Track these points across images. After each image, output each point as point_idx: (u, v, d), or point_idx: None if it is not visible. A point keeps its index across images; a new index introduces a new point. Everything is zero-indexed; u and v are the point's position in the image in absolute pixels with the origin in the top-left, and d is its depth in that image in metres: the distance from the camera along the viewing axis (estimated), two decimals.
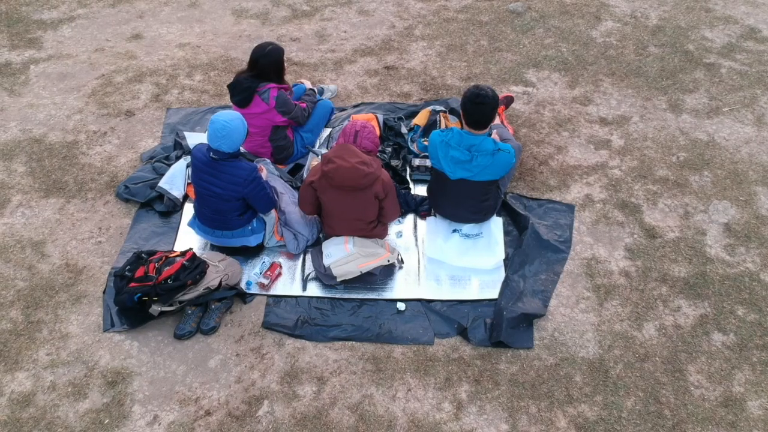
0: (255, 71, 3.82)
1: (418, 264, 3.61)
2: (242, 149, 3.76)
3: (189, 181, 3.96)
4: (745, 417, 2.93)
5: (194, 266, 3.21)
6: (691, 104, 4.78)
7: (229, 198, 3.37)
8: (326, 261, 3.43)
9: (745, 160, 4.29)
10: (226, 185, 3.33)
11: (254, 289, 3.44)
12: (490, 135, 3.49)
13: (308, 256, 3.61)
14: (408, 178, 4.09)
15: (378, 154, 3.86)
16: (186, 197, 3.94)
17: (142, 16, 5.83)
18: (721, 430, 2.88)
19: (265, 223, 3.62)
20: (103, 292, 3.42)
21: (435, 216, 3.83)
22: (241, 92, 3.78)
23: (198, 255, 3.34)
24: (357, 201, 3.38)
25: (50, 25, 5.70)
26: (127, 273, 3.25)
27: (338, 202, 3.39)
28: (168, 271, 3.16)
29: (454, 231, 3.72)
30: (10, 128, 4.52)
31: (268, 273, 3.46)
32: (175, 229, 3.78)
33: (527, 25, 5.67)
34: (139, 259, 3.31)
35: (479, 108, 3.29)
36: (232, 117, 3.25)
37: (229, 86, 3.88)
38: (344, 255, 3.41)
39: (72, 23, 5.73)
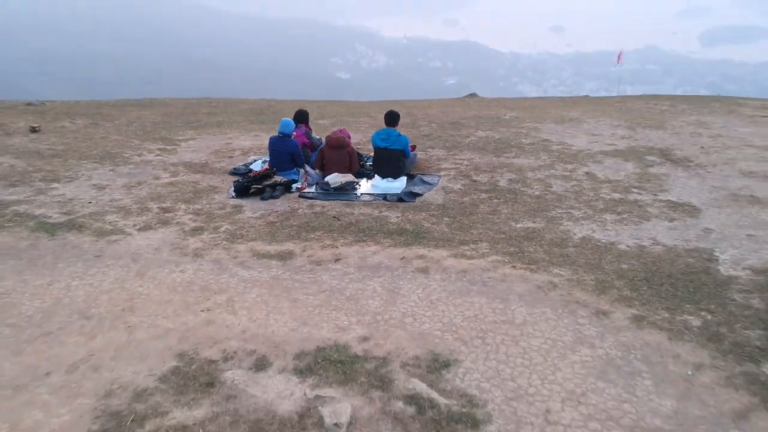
0: (296, 119, 8.08)
1: (368, 188, 7.42)
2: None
3: (263, 167, 7.91)
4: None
5: (271, 171, 7.06)
6: (506, 155, 9.00)
7: (284, 153, 7.32)
8: (327, 179, 7.26)
9: (524, 167, 8.36)
10: (284, 147, 7.32)
11: (295, 190, 7.19)
12: (399, 133, 7.60)
13: (317, 186, 7.41)
14: (364, 167, 8.07)
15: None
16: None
17: (231, 137, 10.29)
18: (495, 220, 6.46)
19: (298, 173, 7.51)
20: (227, 190, 7.14)
21: (375, 177, 7.73)
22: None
23: None
24: (340, 154, 7.35)
25: (183, 140, 10.10)
26: (241, 180, 7.05)
27: (332, 155, 7.35)
28: (259, 171, 6.99)
29: (384, 179, 7.59)
30: (185, 160, 8.57)
31: (301, 184, 7.26)
32: None
33: (431, 138, 10.17)
34: (245, 174, 7.14)
35: (390, 117, 7.49)
36: (288, 120, 7.42)
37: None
38: (334, 176, 7.26)
39: (193, 140, 10.15)
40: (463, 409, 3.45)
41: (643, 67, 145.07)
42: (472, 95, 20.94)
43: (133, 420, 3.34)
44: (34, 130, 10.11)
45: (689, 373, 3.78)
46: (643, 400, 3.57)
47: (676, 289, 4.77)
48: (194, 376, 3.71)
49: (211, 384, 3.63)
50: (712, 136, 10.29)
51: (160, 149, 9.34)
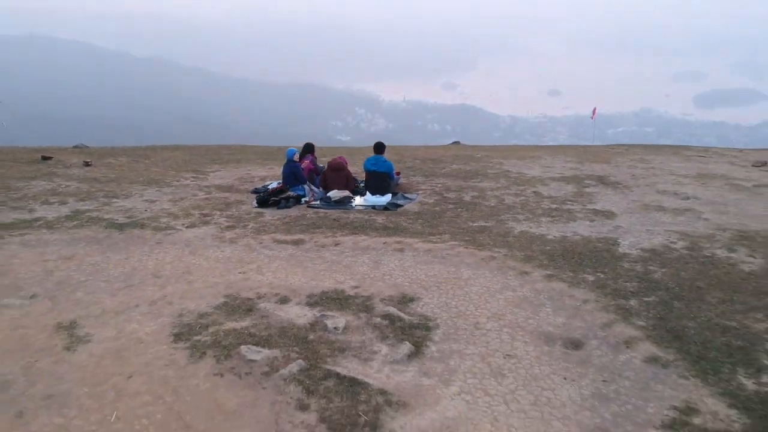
0: (304, 149, 9.79)
1: (361, 201, 9.04)
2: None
3: (278, 185, 9.55)
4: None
5: (285, 187, 8.70)
6: (473, 180, 10.66)
7: (291, 173, 8.98)
8: (329, 194, 8.89)
9: (486, 188, 10.01)
10: (290, 169, 8.98)
11: (304, 202, 8.81)
12: (385, 159, 9.29)
13: (321, 200, 9.04)
14: (358, 187, 9.71)
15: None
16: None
17: (249, 169, 11.99)
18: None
19: (304, 189, 9.15)
20: (251, 202, 8.75)
21: (366, 193, 9.36)
22: (301, 155, 9.67)
23: None
24: (339, 175, 8.99)
25: (211, 171, 11.77)
26: (262, 194, 8.69)
27: (333, 176, 9.00)
28: (276, 188, 8.63)
29: (373, 195, 9.22)
30: (216, 184, 10.22)
31: (309, 198, 8.89)
32: None
33: (413, 170, 11.88)
34: (264, 191, 8.78)
35: (378, 146, 9.20)
36: (291, 149, 9.12)
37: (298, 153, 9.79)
38: (335, 192, 8.90)
39: (219, 171, 11.82)
40: (420, 322, 4.93)
41: (640, 129, 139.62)
42: (456, 143, 22.87)
43: (200, 327, 4.83)
44: (87, 164, 11.79)
45: (578, 304, 5.29)
46: (543, 318, 5.07)
47: (582, 260, 6.32)
48: (238, 306, 5.20)
49: (250, 310, 5.12)
50: (645, 168, 12.02)
51: (193, 177, 11.00)
